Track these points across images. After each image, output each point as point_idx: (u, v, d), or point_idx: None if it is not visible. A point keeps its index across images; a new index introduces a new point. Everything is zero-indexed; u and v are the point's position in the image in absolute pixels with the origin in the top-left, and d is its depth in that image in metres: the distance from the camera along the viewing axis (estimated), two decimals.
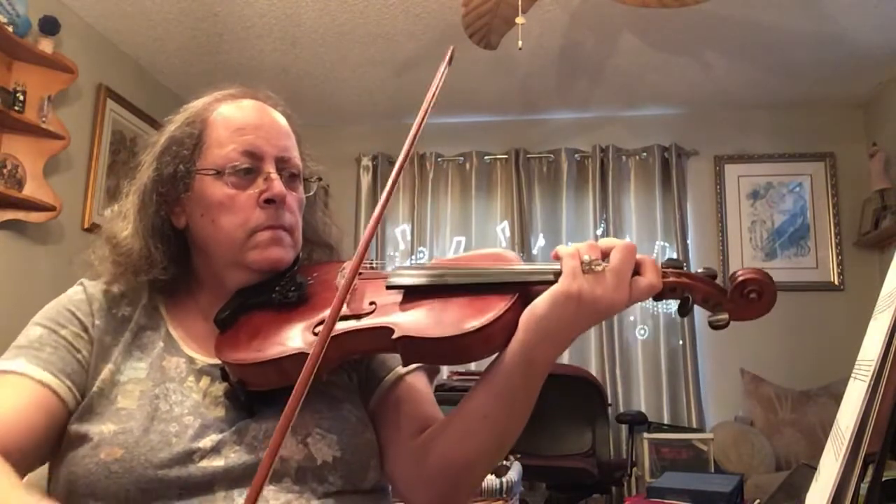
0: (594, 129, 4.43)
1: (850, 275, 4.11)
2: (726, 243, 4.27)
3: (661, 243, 4.28)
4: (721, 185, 4.34)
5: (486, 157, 4.51)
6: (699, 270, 0.79)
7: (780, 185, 4.29)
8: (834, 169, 4.24)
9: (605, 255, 0.77)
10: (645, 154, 4.38)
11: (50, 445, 0.82)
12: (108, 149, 3.56)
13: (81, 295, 0.93)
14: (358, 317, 0.82)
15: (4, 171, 2.88)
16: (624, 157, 4.40)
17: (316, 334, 0.81)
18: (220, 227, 0.90)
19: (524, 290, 0.80)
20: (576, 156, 4.42)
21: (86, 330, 0.89)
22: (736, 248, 4.26)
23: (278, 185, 0.90)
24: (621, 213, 4.35)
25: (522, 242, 4.32)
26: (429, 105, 0.84)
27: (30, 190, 2.96)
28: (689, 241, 4.26)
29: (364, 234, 0.83)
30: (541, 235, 4.40)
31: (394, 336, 0.78)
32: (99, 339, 0.89)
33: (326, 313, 0.77)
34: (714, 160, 4.37)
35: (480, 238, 4.44)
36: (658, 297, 0.78)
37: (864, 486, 0.52)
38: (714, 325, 0.77)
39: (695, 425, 3.94)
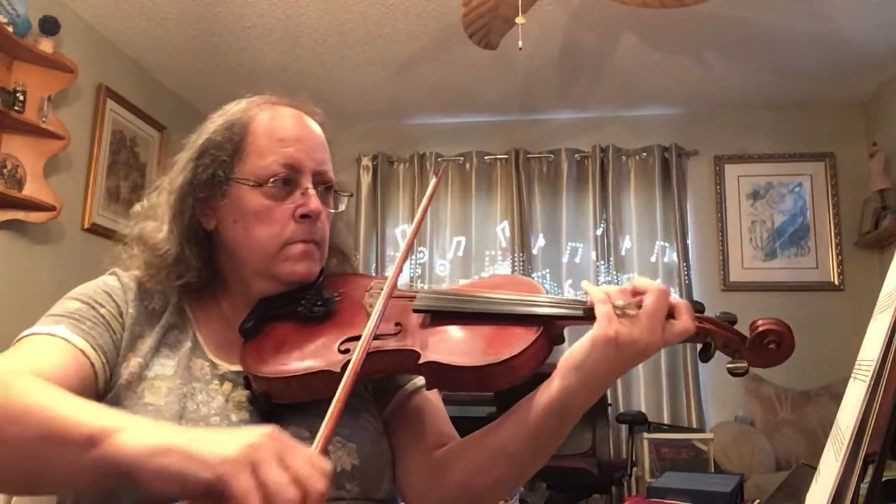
0: (594, 129, 4.43)
1: (850, 275, 4.12)
2: (726, 243, 4.27)
3: (661, 243, 4.28)
4: (721, 185, 4.34)
5: (486, 157, 4.51)
6: (717, 315, 0.80)
7: (780, 185, 4.29)
8: (834, 169, 4.24)
9: (635, 294, 0.77)
10: (645, 154, 4.38)
11: None
12: (108, 149, 3.56)
13: (116, 282, 0.93)
14: (384, 337, 0.82)
15: (4, 171, 2.88)
16: (624, 157, 4.40)
17: (342, 352, 0.82)
18: (253, 235, 0.90)
19: (550, 322, 0.80)
20: (576, 156, 4.42)
21: (121, 314, 0.89)
22: (736, 248, 4.26)
23: (315, 201, 0.91)
24: (621, 213, 4.35)
25: (522, 242, 4.31)
26: (423, 213, 0.96)
27: (30, 190, 2.96)
28: (689, 241, 4.26)
29: (396, 264, 0.87)
30: (541, 235, 4.40)
31: (420, 361, 0.79)
32: (130, 327, 0.89)
33: (353, 331, 0.80)
34: (714, 160, 4.37)
35: (480, 238, 4.45)
36: (681, 340, 0.79)
37: (864, 486, 0.52)
38: (733, 373, 0.78)
39: (695, 425, 3.94)
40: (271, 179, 0.90)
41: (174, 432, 0.60)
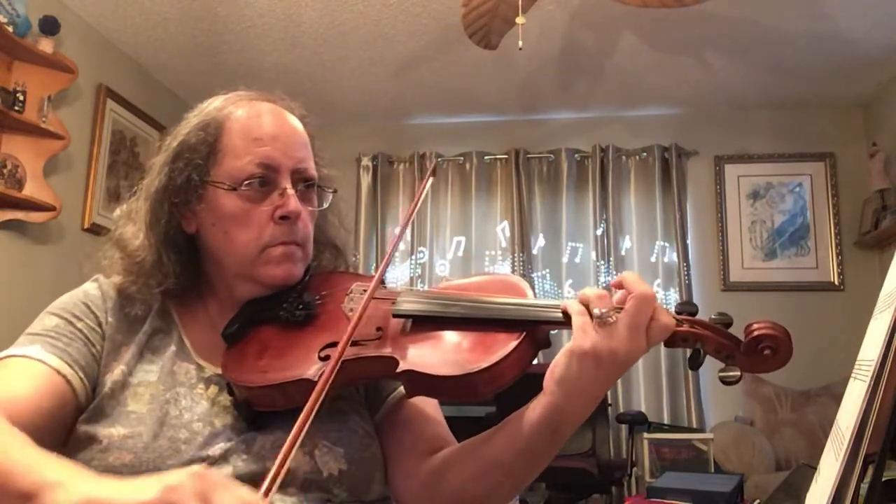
0: (594, 129, 4.43)
1: (850, 275, 4.12)
2: (726, 243, 4.27)
3: (661, 243, 4.28)
4: (721, 185, 4.34)
5: (486, 157, 4.51)
6: (712, 317, 0.75)
7: (780, 185, 4.29)
8: (834, 169, 4.24)
9: (620, 288, 0.74)
10: (645, 154, 4.38)
11: (54, 436, 0.81)
12: (108, 149, 3.56)
13: (97, 291, 0.92)
14: (364, 343, 0.80)
15: (4, 171, 2.88)
16: (624, 157, 4.40)
17: (321, 358, 0.80)
18: (232, 239, 0.88)
19: (533, 327, 0.78)
20: (576, 156, 4.42)
21: (100, 325, 0.88)
22: (736, 248, 4.26)
23: (294, 202, 0.88)
24: (621, 213, 4.35)
25: (522, 242, 4.31)
26: (413, 210, 0.96)
27: (30, 190, 2.96)
28: (688, 241, 4.26)
29: (377, 273, 0.85)
30: (541, 235, 4.40)
31: (398, 369, 0.77)
32: (111, 337, 0.88)
33: (333, 336, 0.78)
34: (714, 160, 4.37)
35: (480, 238, 4.45)
36: (668, 345, 0.75)
37: (864, 486, 0.52)
38: (725, 381, 0.73)
39: (695, 425, 3.94)
40: (246, 181, 0.87)
41: (104, 484, 0.61)
